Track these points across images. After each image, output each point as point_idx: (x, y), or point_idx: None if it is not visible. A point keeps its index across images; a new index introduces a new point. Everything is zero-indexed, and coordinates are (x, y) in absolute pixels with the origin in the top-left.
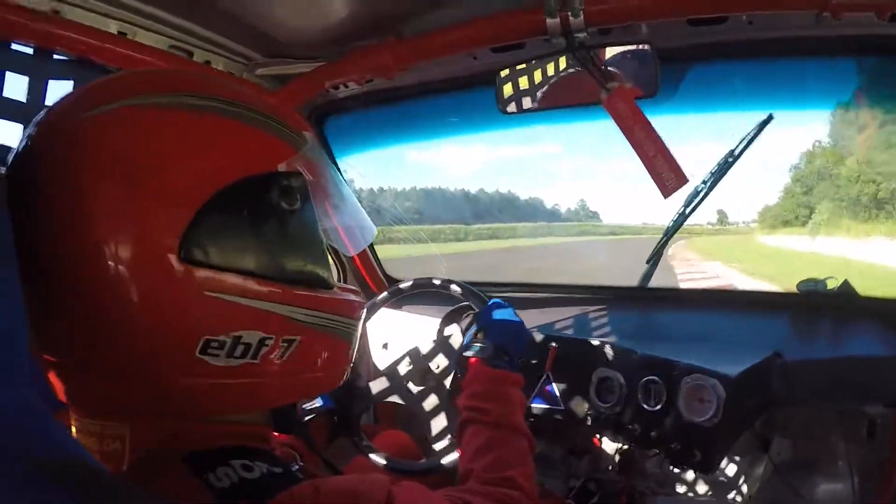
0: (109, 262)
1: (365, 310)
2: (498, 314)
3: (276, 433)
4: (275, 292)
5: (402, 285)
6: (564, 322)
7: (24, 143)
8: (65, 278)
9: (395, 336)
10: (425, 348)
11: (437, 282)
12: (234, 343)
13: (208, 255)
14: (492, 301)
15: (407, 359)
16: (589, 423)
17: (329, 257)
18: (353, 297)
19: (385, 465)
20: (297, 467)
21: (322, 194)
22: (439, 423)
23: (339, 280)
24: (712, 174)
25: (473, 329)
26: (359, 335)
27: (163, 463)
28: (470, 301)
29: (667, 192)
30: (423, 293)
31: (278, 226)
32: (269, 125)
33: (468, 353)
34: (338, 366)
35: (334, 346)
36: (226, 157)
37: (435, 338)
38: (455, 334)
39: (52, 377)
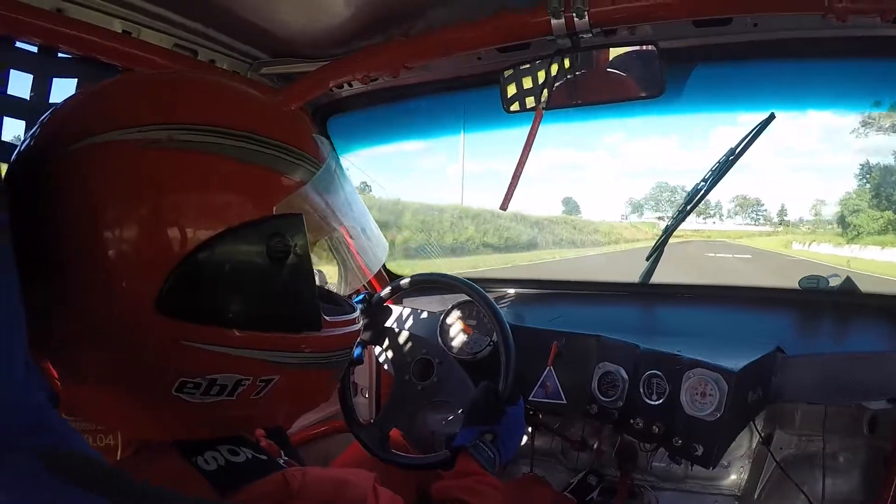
0: (91, 305)
1: (360, 334)
2: (516, 427)
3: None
4: (255, 341)
5: (402, 282)
6: (567, 317)
7: (12, 165)
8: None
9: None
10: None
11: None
12: (210, 384)
13: (186, 308)
14: (518, 408)
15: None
16: (591, 417)
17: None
18: (345, 329)
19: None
20: (283, 461)
21: (334, 221)
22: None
23: (343, 284)
24: (713, 172)
25: (484, 428)
26: (348, 358)
27: (154, 450)
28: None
29: (504, 206)
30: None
31: (264, 277)
32: (276, 158)
33: (473, 452)
34: (320, 392)
35: (317, 378)
36: (211, 209)
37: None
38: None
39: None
